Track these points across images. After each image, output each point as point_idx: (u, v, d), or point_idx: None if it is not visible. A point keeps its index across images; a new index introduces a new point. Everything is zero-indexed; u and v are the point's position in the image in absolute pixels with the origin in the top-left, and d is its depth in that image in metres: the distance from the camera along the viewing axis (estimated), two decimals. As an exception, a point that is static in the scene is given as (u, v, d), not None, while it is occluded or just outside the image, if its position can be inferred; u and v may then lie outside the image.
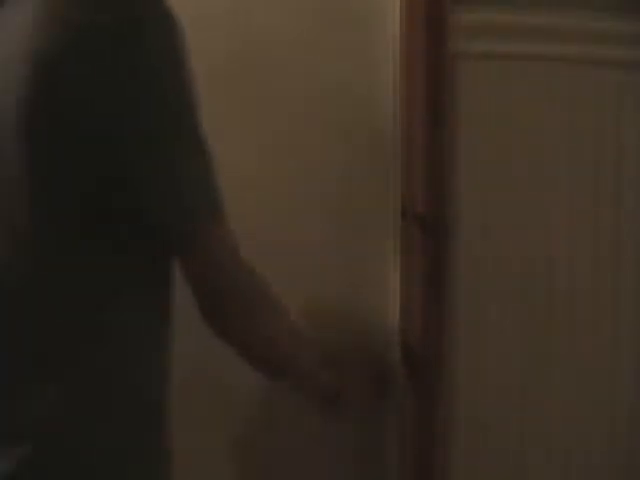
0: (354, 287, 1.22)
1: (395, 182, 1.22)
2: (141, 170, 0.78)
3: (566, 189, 1.16)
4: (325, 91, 1.19)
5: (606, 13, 1.13)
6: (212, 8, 1.15)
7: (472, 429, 1.16)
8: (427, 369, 1.14)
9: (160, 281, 0.87)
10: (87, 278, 0.80)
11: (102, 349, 0.81)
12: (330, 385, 1.00)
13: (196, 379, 1.15)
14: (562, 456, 1.18)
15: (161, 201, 0.78)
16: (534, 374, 1.17)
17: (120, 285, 0.82)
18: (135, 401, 0.83)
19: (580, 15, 1.13)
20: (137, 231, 0.80)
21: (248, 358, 0.89)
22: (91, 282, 0.80)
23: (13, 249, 0.81)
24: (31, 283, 0.80)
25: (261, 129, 1.19)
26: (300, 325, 1.00)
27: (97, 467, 0.81)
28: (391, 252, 1.23)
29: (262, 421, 1.23)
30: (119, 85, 0.75)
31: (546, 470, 1.17)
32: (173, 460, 0.89)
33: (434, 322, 1.14)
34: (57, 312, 0.80)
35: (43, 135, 0.77)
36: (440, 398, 1.14)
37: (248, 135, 1.18)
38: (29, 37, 0.77)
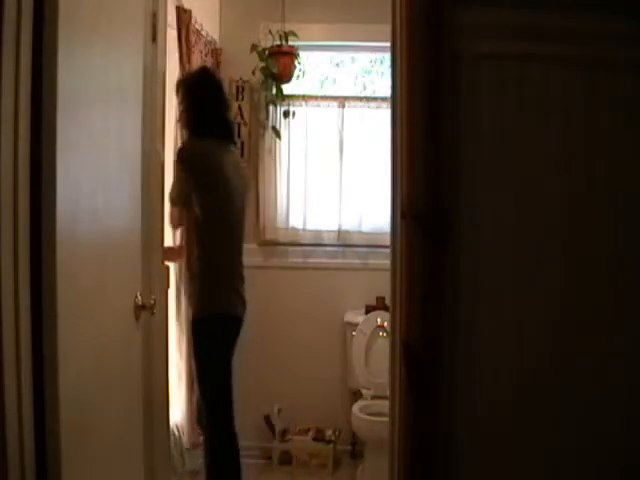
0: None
1: (395, 182, 1.22)
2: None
3: (565, 188, 1.16)
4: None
5: (606, 13, 1.13)
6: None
7: (472, 429, 1.16)
8: (427, 369, 1.14)
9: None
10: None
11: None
12: None
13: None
14: (563, 454, 1.18)
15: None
16: (533, 373, 1.17)
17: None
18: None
19: (580, 16, 1.13)
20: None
21: None
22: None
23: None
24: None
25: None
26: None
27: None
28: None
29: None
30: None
31: (547, 469, 1.17)
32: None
33: (434, 322, 1.14)
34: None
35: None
36: (440, 398, 1.14)
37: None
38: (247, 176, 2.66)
